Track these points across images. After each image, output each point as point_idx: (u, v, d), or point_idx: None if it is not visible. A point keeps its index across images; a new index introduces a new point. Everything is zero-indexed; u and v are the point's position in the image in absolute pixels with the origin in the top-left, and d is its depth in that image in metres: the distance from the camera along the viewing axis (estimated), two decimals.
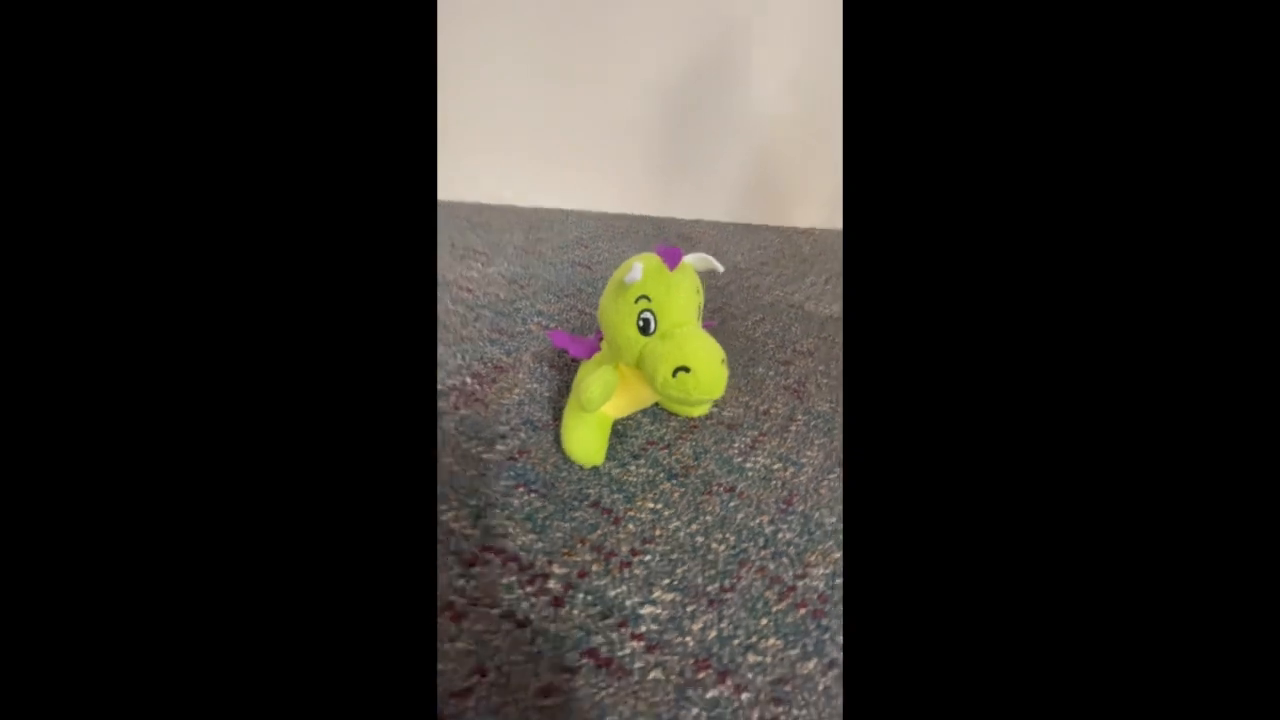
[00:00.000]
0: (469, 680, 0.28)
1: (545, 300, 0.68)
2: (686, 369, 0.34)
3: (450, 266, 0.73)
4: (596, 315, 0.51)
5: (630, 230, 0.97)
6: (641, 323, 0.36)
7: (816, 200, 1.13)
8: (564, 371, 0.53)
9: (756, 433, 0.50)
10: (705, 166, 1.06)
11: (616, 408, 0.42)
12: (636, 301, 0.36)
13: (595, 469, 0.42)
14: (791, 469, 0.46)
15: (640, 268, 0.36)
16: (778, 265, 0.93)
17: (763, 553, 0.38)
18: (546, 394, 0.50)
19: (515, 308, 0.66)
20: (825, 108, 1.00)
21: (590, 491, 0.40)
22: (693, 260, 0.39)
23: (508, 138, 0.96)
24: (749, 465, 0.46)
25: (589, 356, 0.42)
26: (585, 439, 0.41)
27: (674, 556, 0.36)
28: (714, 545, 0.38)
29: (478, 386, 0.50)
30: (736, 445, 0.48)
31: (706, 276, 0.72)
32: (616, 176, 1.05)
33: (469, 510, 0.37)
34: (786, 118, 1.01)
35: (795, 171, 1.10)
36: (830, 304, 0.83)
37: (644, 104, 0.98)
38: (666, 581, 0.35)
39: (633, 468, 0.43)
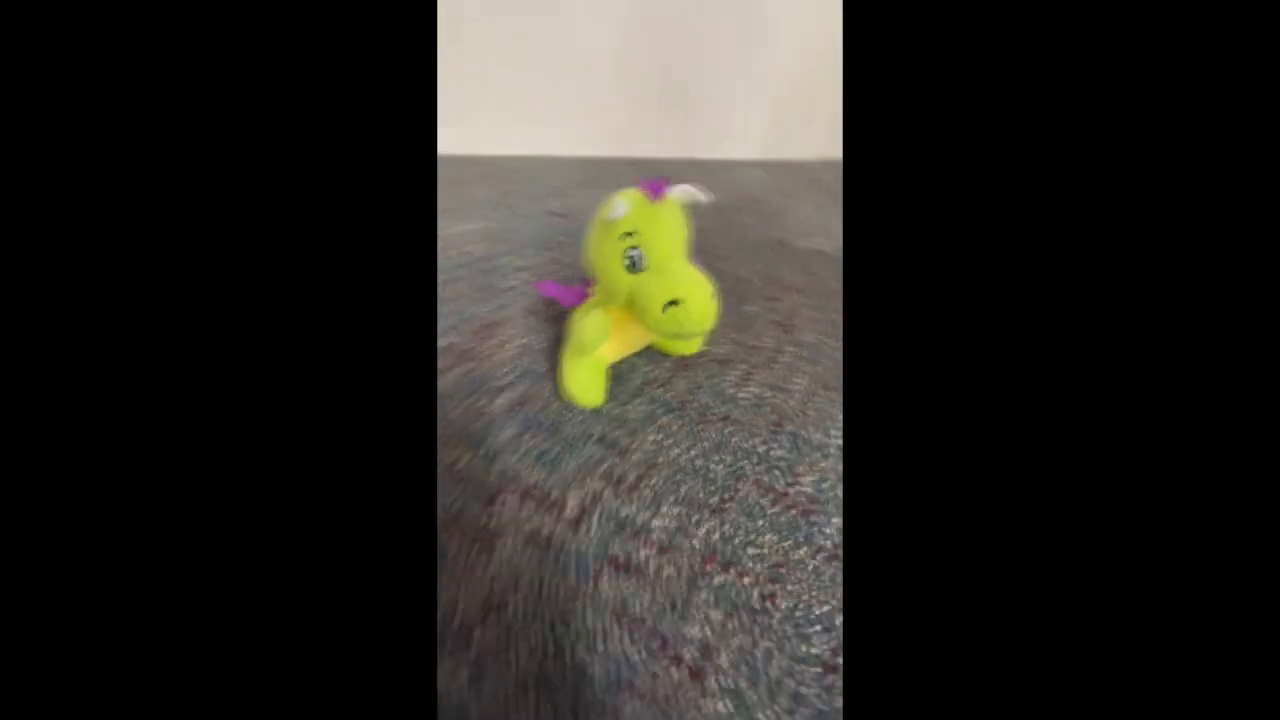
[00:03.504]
0: (505, 595, 0.32)
1: (525, 255, 0.70)
2: (677, 302, 0.35)
3: None
4: (581, 265, 0.53)
5: (607, 174, 0.95)
6: (629, 261, 0.37)
7: (821, 125, 1.08)
8: (556, 323, 0.56)
9: (747, 366, 0.53)
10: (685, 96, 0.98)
11: (611, 350, 0.45)
12: (622, 239, 0.37)
13: (596, 410, 0.45)
14: (781, 395, 0.49)
15: (623, 204, 0.36)
16: (765, 201, 0.94)
17: (757, 468, 0.41)
18: (541, 345, 0.53)
19: (494, 265, 0.67)
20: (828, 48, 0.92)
21: (594, 430, 0.43)
22: (677, 193, 0.39)
23: (463, 78, 0.83)
24: (741, 395, 0.49)
25: (580, 303, 0.44)
26: (584, 382, 0.44)
27: (677, 478, 0.40)
28: (712, 465, 0.41)
29: (471, 344, 0.52)
30: (729, 378, 0.51)
31: (690, 211, 0.69)
32: (591, 116, 0.96)
33: (482, 457, 0.40)
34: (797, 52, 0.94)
35: (803, 102, 1.04)
36: (815, 238, 0.85)
37: (614, 34, 0.87)
38: (672, 498, 0.38)
39: (632, 406, 0.46)
